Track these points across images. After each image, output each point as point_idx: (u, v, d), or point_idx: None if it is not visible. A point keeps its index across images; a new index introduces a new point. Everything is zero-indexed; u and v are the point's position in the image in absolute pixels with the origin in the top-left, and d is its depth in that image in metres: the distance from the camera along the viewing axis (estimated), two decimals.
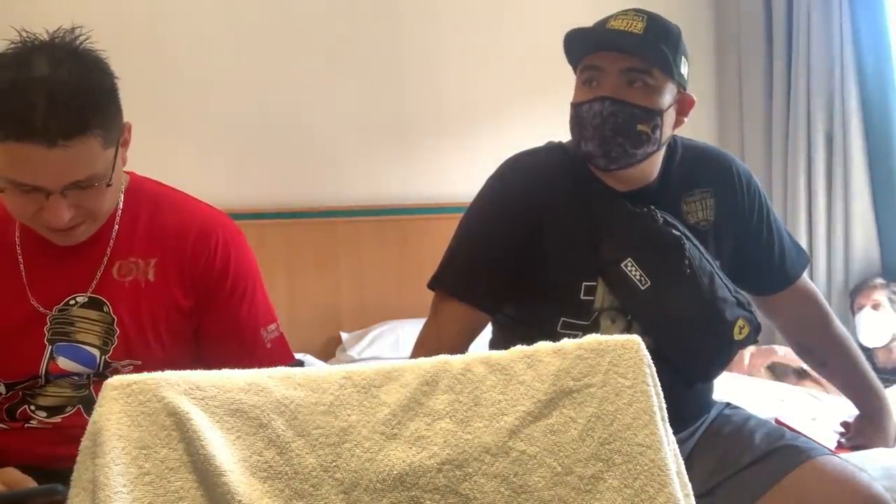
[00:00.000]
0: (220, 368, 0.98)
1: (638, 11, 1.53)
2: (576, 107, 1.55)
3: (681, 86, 1.55)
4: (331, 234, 3.54)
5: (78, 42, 1.26)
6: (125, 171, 1.43)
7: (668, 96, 1.52)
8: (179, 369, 0.96)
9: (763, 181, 3.66)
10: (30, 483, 1.20)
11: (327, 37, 3.56)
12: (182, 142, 3.36)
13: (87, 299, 1.37)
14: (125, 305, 1.38)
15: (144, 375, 0.93)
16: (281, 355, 1.48)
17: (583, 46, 1.54)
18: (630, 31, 1.49)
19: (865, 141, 3.48)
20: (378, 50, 3.63)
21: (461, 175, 3.55)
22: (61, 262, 1.37)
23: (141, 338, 1.38)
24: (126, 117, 1.33)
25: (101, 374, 1.37)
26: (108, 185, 1.28)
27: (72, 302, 1.37)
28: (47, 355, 1.35)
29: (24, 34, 1.24)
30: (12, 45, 1.24)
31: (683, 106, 1.58)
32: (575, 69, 1.59)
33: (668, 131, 1.55)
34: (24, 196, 1.24)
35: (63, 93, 1.18)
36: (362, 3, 3.61)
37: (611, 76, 1.50)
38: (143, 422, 0.91)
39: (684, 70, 1.55)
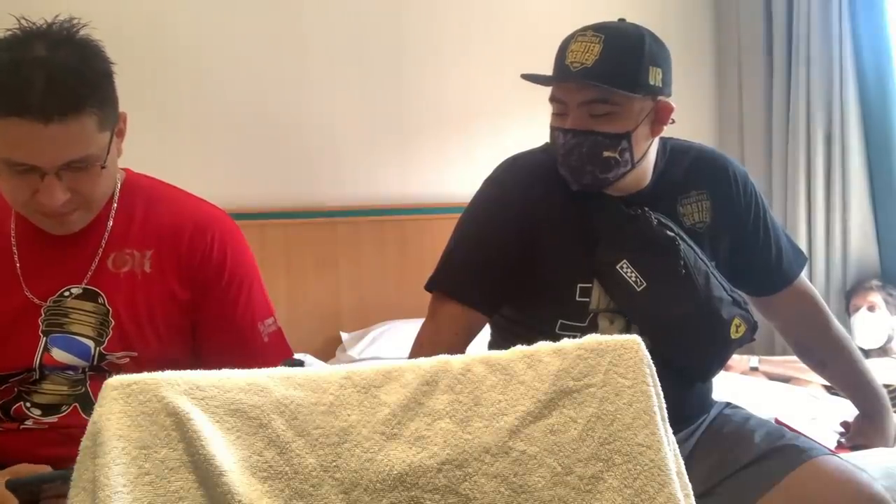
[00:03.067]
0: (217, 361, 0.98)
1: (597, 31, 1.51)
2: (551, 129, 1.57)
3: (654, 95, 1.52)
4: (331, 234, 3.54)
5: (76, 30, 1.28)
6: (122, 168, 1.44)
7: (635, 115, 1.51)
8: (176, 361, 0.96)
9: (763, 182, 3.69)
10: (8, 497, 1.20)
11: (328, 36, 3.56)
12: (182, 141, 3.36)
13: (81, 290, 1.38)
14: (121, 296, 1.38)
15: (144, 375, 0.93)
16: (279, 349, 1.49)
17: (542, 81, 1.55)
18: (584, 63, 1.48)
19: (865, 142, 3.49)
20: (378, 50, 3.63)
21: (461, 175, 3.55)
22: (56, 254, 1.38)
23: (137, 329, 1.38)
24: (127, 116, 1.34)
25: (97, 368, 1.37)
26: (103, 168, 1.29)
27: (66, 293, 1.37)
28: (41, 347, 1.36)
29: (24, 21, 1.26)
30: (10, 31, 1.26)
31: (660, 114, 1.55)
32: None
33: (641, 147, 1.54)
34: (20, 178, 1.25)
35: (61, 72, 1.21)
36: (363, 3, 3.61)
37: (572, 109, 1.51)
38: (143, 422, 0.91)
39: (655, 79, 1.51)
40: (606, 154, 1.50)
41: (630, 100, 1.49)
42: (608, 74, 1.47)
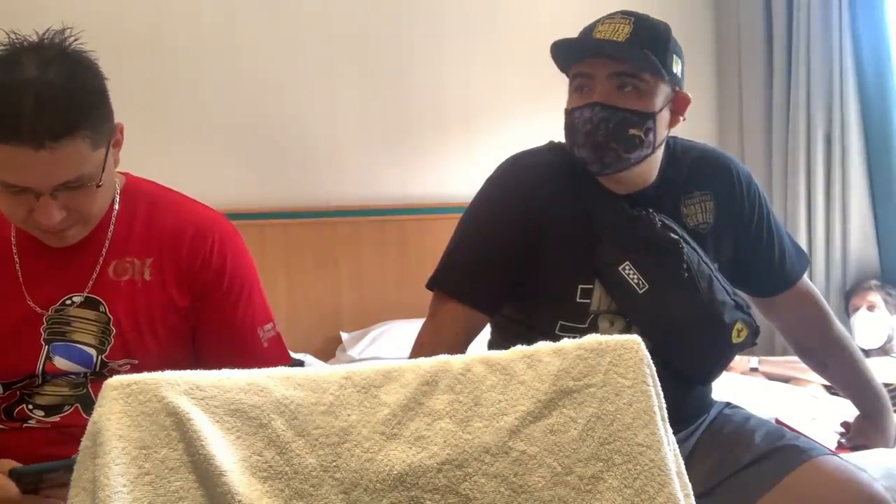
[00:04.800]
0: (217, 367, 0.98)
1: (625, 14, 1.53)
2: (569, 113, 1.55)
3: (675, 85, 1.54)
4: (331, 234, 3.54)
5: (67, 43, 1.26)
6: (122, 173, 1.43)
7: (660, 97, 1.52)
8: (177, 369, 0.96)
9: (762, 182, 3.68)
10: (10, 486, 1.20)
11: (328, 37, 3.56)
12: (182, 142, 3.36)
13: (83, 299, 1.37)
14: (122, 305, 1.38)
15: (144, 375, 0.93)
16: (278, 355, 1.48)
17: (570, 55, 1.55)
18: (616, 40, 1.49)
19: (864, 142, 3.49)
20: (378, 50, 3.63)
21: (461, 175, 3.55)
22: (57, 263, 1.37)
23: (138, 337, 1.38)
24: (126, 117, 1.33)
25: (99, 374, 1.37)
26: (99, 186, 1.28)
27: (68, 302, 1.37)
28: (44, 355, 1.35)
29: (13, 36, 1.24)
30: (1, 48, 1.24)
31: (678, 105, 1.57)
32: (567, 75, 1.59)
33: (662, 133, 1.55)
34: (15, 197, 1.24)
35: (51, 95, 1.18)
36: (363, 3, 3.61)
37: (600, 82, 1.50)
38: (143, 422, 0.91)
39: (676, 68, 1.54)
40: (632, 132, 1.49)
41: (657, 80, 1.50)
42: (639, 55, 1.48)
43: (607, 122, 1.49)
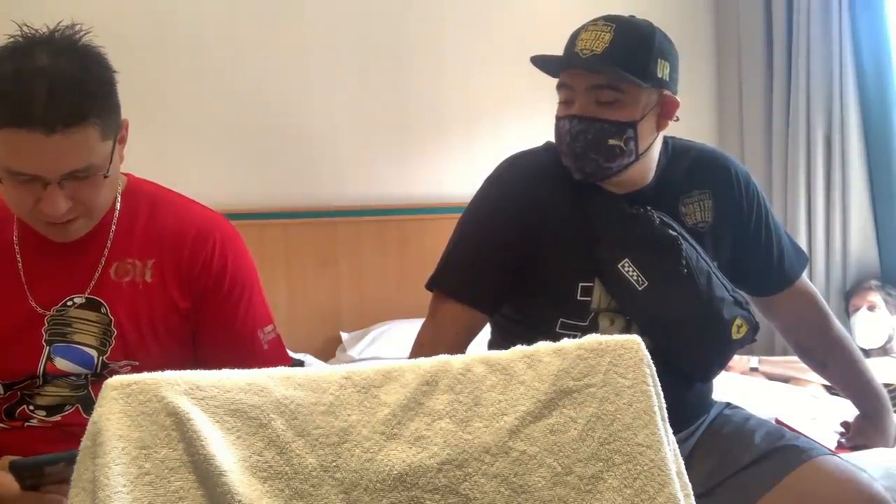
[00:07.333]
0: (217, 369, 0.98)
1: (607, 20, 1.52)
2: (556, 121, 1.57)
3: (661, 89, 1.53)
4: (331, 234, 3.54)
5: (78, 37, 1.27)
6: (123, 174, 1.44)
7: (641, 105, 1.51)
8: (178, 370, 0.96)
9: (762, 182, 3.69)
10: (10, 483, 1.19)
11: (328, 36, 3.56)
12: (182, 142, 3.36)
13: (84, 300, 1.37)
14: (123, 306, 1.38)
15: (144, 375, 0.93)
16: (278, 357, 1.49)
17: (550, 68, 1.56)
18: (593, 50, 1.49)
19: (864, 143, 3.49)
20: (378, 49, 3.63)
21: (461, 175, 3.54)
22: (59, 263, 1.38)
23: (139, 339, 1.38)
24: (126, 117, 1.34)
25: (99, 375, 1.37)
26: (106, 177, 1.29)
27: (69, 303, 1.37)
28: (45, 356, 1.36)
29: (26, 28, 1.26)
30: (13, 39, 1.26)
31: (666, 109, 1.55)
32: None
33: (646, 139, 1.54)
34: (22, 187, 1.25)
35: (63, 82, 1.20)
36: (363, 3, 3.61)
37: (580, 94, 1.51)
38: (143, 422, 0.91)
39: (663, 72, 1.52)
40: (611, 142, 1.50)
41: (637, 89, 1.50)
42: (617, 61, 1.48)
43: (585, 134, 1.50)
